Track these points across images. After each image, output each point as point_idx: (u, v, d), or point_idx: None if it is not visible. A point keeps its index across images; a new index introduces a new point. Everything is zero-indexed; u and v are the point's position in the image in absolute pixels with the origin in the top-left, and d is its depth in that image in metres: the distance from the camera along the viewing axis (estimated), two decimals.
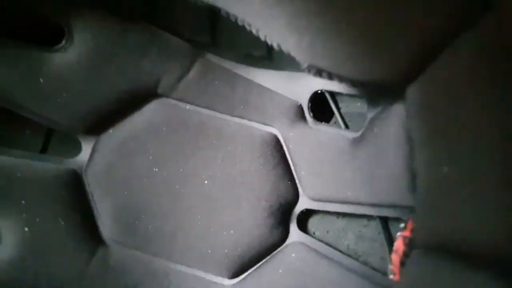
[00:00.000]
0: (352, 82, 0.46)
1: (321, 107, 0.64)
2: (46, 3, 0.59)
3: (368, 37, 0.40)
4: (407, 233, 0.47)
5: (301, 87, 0.63)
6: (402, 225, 0.49)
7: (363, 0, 0.39)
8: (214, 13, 0.66)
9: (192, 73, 0.64)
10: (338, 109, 0.63)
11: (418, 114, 0.42)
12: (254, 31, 0.52)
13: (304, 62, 0.46)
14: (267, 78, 0.64)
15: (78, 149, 0.67)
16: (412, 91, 0.42)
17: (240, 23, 0.52)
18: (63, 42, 0.60)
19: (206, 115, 0.65)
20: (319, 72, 0.47)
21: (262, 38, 0.51)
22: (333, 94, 0.64)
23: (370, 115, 0.57)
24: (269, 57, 0.65)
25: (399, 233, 0.50)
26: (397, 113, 0.47)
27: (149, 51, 0.63)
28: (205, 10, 0.64)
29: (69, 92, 0.61)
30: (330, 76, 0.46)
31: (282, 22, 0.43)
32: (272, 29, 0.46)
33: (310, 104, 0.62)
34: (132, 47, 0.62)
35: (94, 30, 0.61)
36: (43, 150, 0.68)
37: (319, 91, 0.62)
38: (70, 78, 0.61)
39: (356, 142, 0.58)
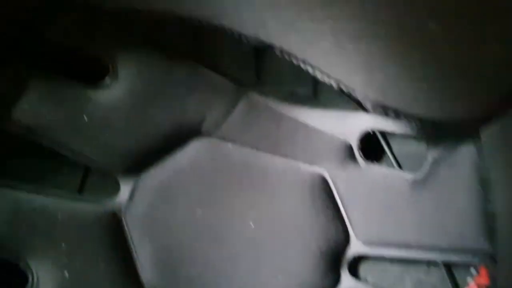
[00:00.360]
0: (422, 122, 0.44)
1: (370, 147, 0.62)
2: (94, 38, 0.59)
3: (448, 76, 0.39)
4: (483, 280, 0.44)
5: (350, 126, 0.61)
6: (473, 271, 0.46)
7: (444, 37, 0.38)
8: (260, 51, 0.65)
9: (236, 112, 0.62)
10: (391, 149, 0.61)
11: (498, 153, 0.40)
12: (310, 69, 0.50)
13: (370, 101, 0.45)
14: (313, 117, 0.62)
15: (116, 189, 0.65)
16: (490, 130, 0.40)
17: (296, 61, 0.51)
18: (107, 78, 0.59)
19: (250, 155, 0.63)
20: (385, 111, 0.45)
21: (319, 76, 0.50)
22: (384, 134, 0.62)
23: (432, 156, 0.54)
24: (315, 95, 0.63)
25: (470, 281, 0.47)
26: (468, 153, 0.45)
27: (195, 89, 0.61)
28: (251, 48, 0.64)
29: (111, 130, 0.60)
30: (397, 115, 0.45)
31: (353, 60, 0.42)
32: (336, 67, 0.45)
33: (360, 144, 0.61)
34: (177, 85, 0.61)
35: (139, 66, 0.60)
36: (80, 190, 0.66)
37: (370, 131, 0.60)
38: (113, 116, 0.59)
39: (418, 184, 0.55)
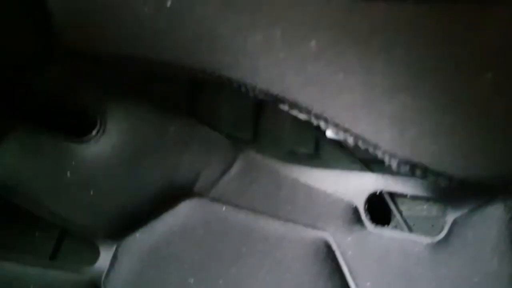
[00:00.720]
0: (451, 180, 0.41)
1: (375, 210, 0.58)
2: (81, 89, 0.54)
3: (493, 132, 0.36)
4: None
5: (356, 187, 0.57)
6: None
7: (498, 91, 0.35)
8: (259, 107, 0.62)
9: (233, 171, 0.58)
10: (400, 212, 0.58)
11: None
12: (322, 124, 0.47)
13: (397, 157, 0.42)
14: (315, 177, 0.58)
15: (94, 255, 0.58)
16: None
17: (307, 116, 0.48)
18: (94, 132, 0.54)
19: (248, 217, 0.57)
20: (412, 169, 0.42)
21: (333, 131, 0.47)
22: (392, 196, 0.58)
23: (452, 217, 0.51)
24: (316, 155, 0.60)
25: None
26: (495, 213, 0.42)
27: (188, 145, 0.57)
28: (249, 103, 0.60)
29: (96, 189, 0.54)
30: (425, 173, 0.42)
31: (384, 114, 0.39)
32: (360, 122, 0.42)
33: (367, 206, 0.57)
34: (171, 141, 0.56)
35: (129, 120, 0.55)
36: (53, 256, 0.58)
37: (377, 192, 0.57)
38: (99, 173, 0.53)
39: (437, 248, 0.51)
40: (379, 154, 0.45)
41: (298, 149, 0.60)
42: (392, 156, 0.42)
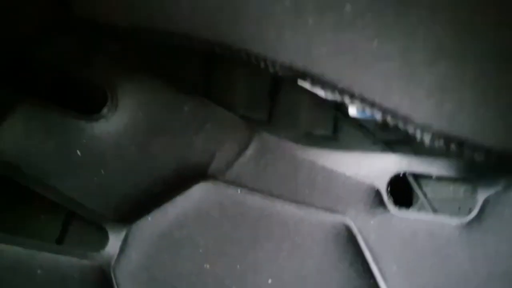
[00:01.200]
0: (488, 154, 0.39)
1: (397, 193, 0.56)
2: (92, 64, 0.51)
3: None
4: None
5: (377, 169, 0.55)
6: None
7: None
8: (274, 88, 0.60)
9: (248, 153, 0.55)
10: (424, 194, 0.56)
11: None
12: (347, 99, 0.45)
13: (432, 131, 0.40)
14: (335, 160, 0.56)
15: (103, 240, 0.56)
16: None
17: (331, 92, 0.45)
18: (105, 109, 0.51)
19: (265, 201, 0.55)
20: (447, 143, 0.40)
21: (358, 108, 0.45)
22: (416, 178, 0.56)
23: (483, 196, 0.50)
24: (335, 137, 0.58)
25: None
26: None
27: (202, 125, 0.54)
28: (266, 83, 0.58)
29: (106, 169, 0.51)
30: (461, 147, 0.39)
31: (422, 84, 0.37)
32: (394, 94, 0.40)
33: (389, 188, 0.55)
34: (185, 121, 0.53)
35: (141, 97, 0.52)
36: (60, 240, 0.55)
37: (400, 174, 0.55)
38: (110, 152, 0.51)
39: (470, 228, 0.50)
40: (410, 129, 0.43)
41: (315, 130, 0.58)
42: (426, 130, 0.40)
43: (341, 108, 0.56)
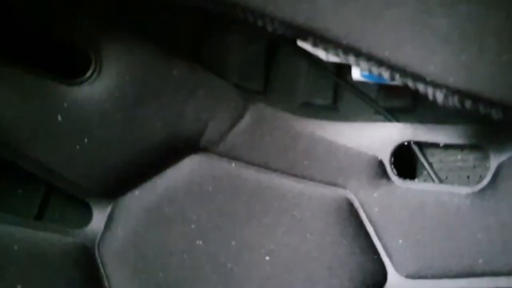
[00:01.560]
0: (508, 110, 0.36)
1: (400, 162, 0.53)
2: (73, 25, 0.47)
3: None
4: None
5: (380, 139, 0.52)
6: None
7: None
8: (270, 55, 0.56)
9: (243, 124, 0.52)
10: (430, 164, 0.53)
11: None
12: (352, 58, 0.42)
13: (447, 86, 0.36)
14: (335, 131, 0.53)
15: (86, 216, 0.52)
16: None
17: (334, 50, 0.42)
18: (89, 72, 0.47)
19: (261, 173, 0.52)
20: (462, 99, 0.37)
21: (364, 63, 0.41)
22: (421, 147, 0.53)
23: (495, 162, 0.48)
24: (334, 106, 0.55)
25: None
26: None
27: (193, 93, 0.50)
28: (260, 51, 0.54)
29: (90, 138, 0.47)
30: (476, 103, 0.37)
31: (438, 34, 0.34)
32: (406, 46, 0.36)
33: (392, 159, 0.52)
34: (174, 86, 0.50)
35: (128, 60, 0.48)
36: (39, 216, 0.52)
37: (405, 143, 0.52)
38: (94, 120, 0.47)
39: (482, 196, 0.48)
40: (421, 87, 0.40)
41: (314, 100, 0.55)
42: (439, 86, 0.37)
43: (342, 74, 0.54)
